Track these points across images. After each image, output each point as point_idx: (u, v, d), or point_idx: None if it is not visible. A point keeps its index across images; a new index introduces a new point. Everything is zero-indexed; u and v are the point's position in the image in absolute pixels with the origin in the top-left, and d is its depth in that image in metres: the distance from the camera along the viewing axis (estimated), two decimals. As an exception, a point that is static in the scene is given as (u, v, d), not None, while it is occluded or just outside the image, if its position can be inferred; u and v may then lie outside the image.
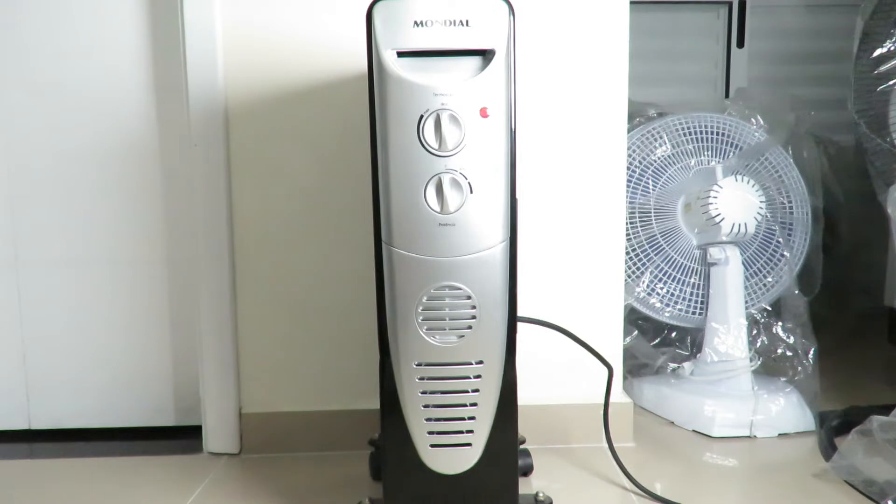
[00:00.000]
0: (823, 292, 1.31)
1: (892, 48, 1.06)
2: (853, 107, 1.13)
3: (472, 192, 0.69)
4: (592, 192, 1.07)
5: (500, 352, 0.73)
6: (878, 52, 1.07)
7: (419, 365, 0.72)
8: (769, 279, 1.27)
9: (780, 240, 1.28)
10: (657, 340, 1.30)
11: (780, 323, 1.23)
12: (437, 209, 0.69)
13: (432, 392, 0.73)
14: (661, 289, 1.25)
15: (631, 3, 1.04)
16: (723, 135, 1.28)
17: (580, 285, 1.09)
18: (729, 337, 1.18)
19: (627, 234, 1.24)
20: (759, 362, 1.19)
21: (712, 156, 1.27)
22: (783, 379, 1.19)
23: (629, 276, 1.25)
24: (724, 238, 1.19)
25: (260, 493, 0.94)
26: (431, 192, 0.68)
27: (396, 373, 0.73)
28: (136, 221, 1.14)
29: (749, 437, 1.11)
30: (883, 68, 1.06)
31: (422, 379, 0.72)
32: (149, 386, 1.17)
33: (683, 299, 1.25)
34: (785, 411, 1.12)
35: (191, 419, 1.16)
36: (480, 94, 0.68)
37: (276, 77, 1.04)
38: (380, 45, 0.68)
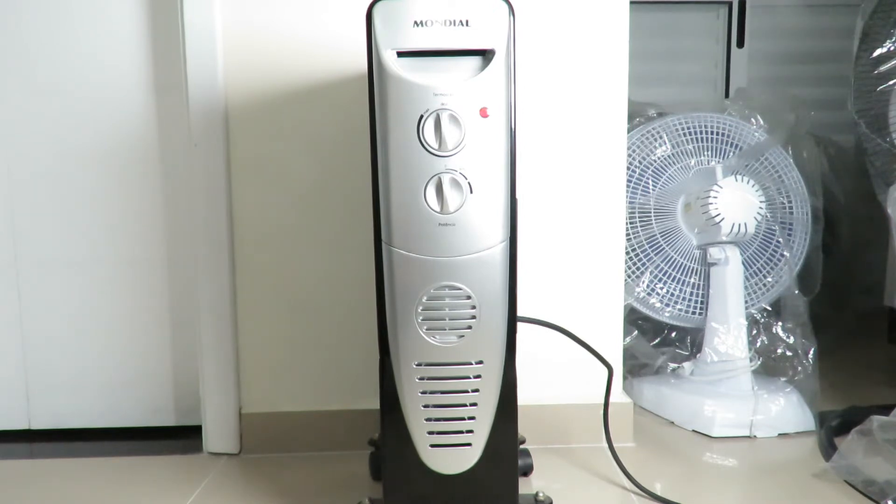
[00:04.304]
0: (823, 292, 1.31)
1: (892, 48, 1.06)
2: (853, 107, 1.13)
3: (472, 192, 0.69)
4: (592, 192, 1.07)
5: (500, 352, 0.73)
6: (878, 52, 1.07)
7: (419, 365, 0.72)
8: (769, 279, 1.27)
9: (780, 240, 1.28)
10: (657, 340, 1.30)
11: (780, 323, 1.23)
12: (437, 209, 0.69)
13: (432, 392, 0.73)
14: (661, 289, 1.25)
15: (631, 3, 1.04)
16: (723, 135, 1.28)
17: (580, 285, 1.09)
18: (729, 337, 1.18)
19: (627, 234, 1.24)
20: (759, 362, 1.19)
21: (712, 156, 1.27)
22: (783, 379, 1.19)
23: (629, 276, 1.25)
24: (724, 238, 1.19)
25: (260, 493, 0.94)
26: (431, 192, 0.68)
27: (396, 373, 0.73)
28: (136, 221, 1.14)
29: (749, 437, 1.11)
30: (883, 68, 1.06)
31: (422, 379, 0.72)
32: (149, 386, 1.17)
33: (683, 299, 1.25)
34: (785, 411, 1.12)
35: (191, 419, 1.16)
36: (480, 94, 0.68)
37: (276, 77, 1.04)
38: (380, 45, 0.67)
